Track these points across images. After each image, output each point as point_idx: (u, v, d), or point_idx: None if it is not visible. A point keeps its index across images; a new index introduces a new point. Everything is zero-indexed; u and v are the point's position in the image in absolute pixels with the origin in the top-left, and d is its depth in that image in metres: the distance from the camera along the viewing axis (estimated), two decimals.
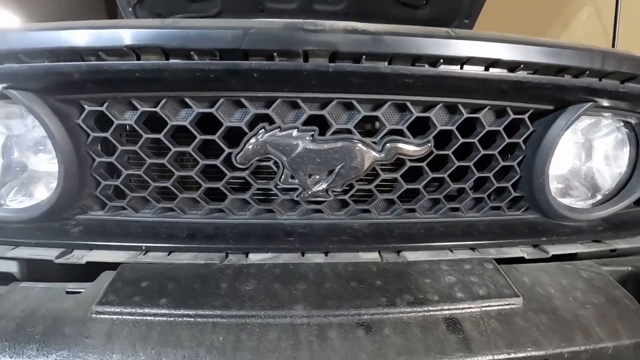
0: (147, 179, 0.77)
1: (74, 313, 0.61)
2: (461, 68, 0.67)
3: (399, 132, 0.75)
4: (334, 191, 0.79)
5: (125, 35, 0.61)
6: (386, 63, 0.65)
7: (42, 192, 0.81)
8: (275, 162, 0.75)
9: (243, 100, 0.71)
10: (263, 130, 0.72)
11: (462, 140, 0.78)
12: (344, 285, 0.67)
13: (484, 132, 0.79)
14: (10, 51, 0.61)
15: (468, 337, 0.60)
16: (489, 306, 0.65)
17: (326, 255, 0.77)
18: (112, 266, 0.71)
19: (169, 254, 0.74)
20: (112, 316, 0.60)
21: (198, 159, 0.75)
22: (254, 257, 0.75)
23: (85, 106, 0.72)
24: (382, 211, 0.85)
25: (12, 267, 0.78)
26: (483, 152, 0.80)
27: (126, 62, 0.62)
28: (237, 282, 0.67)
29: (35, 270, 0.78)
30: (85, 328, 0.58)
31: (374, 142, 0.75)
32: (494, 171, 0.83)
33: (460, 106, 0.75)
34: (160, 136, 0.73)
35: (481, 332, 0.61)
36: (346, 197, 0.81)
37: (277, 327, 0.59)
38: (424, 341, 0.59)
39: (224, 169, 0.76)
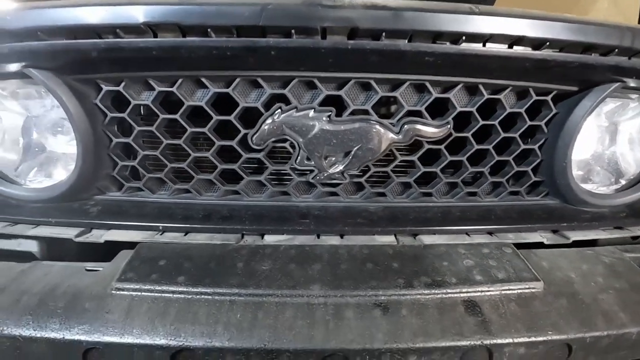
0: (163, 160, 0.77)
1: (93, 289, 0.62)
2: (484, 45, 0.65)
3: (417, 114, 0.74)
4: (350, 173, 0.78)
5: (142, 12, 0.61)
6: (406, 40, 0.63)
7: (61, 173, 0.82)
8: (291, 144, 0.75)
9: (259, 80, 0.70)
10: (279, 110, 0.71)
11: (482, 122, 0.76)
12: (360, 267, 0.67)
13: (505, 114, 0.76)
14: (29, 29, 0.61)
15: (487, 320, 0.59)
16: (509, 289, 0.63)
17: (341, 237, 0.76)
18: (130, 246, 0.72)
19: (185, 234, 0.75)
20: (131, 292, 0.60)
21: (214, 139, 0.75)
22: (270, 239, 0.75)
23: (103, 86, 0.72)
24: (398, 195, 0.84)
25: (33, 247, 0.79)
26: (503, 135, 0.78)
27: (143, 39, 0.62)
28: (253, 262, 0.67)
29: (54, 250, 0.80)
30: (105, 303, 0.59)
31: (392, 124, 0.74)
32: (514, 155, 0.81)
33: (480, 87, 0.73)
34: (177, 116, 0.73)
35: (500, 315, 0.60)
36: (362, 179, 0.80)
37: (294, 306, 0.59)
38: (442, 322, 0.58)
39: (240, 150, 0.75)
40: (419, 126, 0.73)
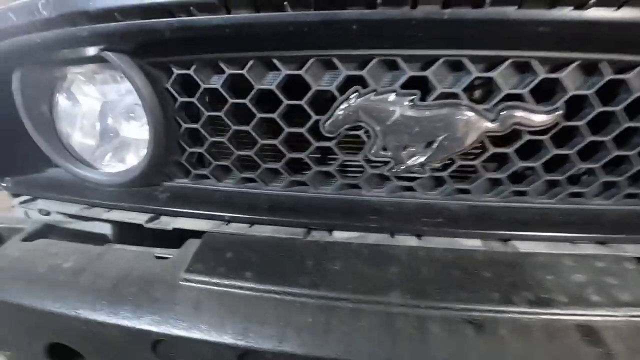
0: (230, 147, 0.74)
1: (163, 278, 0.60)
2: (618, 9, 0.52)
3: (518, 98, 0.62)
4: (430, 166, 0.69)
5: None
6: (516, 6, 0.53)
7: (133, 159, 0.82)
8: (366, 132, 0.67)
9: (335, 61, 0.63)
10: (356, 94, 0.64)
11: (601, 108, 0.62)
12: (445, 274, 0.58)
13: (632, 98, 0.62)
14: (107, 9, 0.60)
15: (612, 352, 0.47)
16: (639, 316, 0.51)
17: (419, 238, 0.68)
18: (196, 234, 0.70)
19: (250, 226, 0.71)
20: (199, 285, 0.58)
21: (283, 126, 0.70)
22: (339, 235, 0.69)
23: (174, 70, 0.70)
24: (485, 192, 0.73)
25: (106, 229, 0.82)
26: (627, 124, 0.64)
27: (216, 16, 0.58)
28: (324, 260, 0.61)
29: (124, 233, 0.81)
30: (174, 294, 0.57)
31: (487, 109, 0.63)
32: (637, 149, 0.66)
33: (603, 64, 0.60)
34: (246, 101, 0.69)
35: (631, 348, 0.48)
36: (444, 174, 0.70)
37: (371, 314, 0.53)
38: (553, 350, 0.48)
39: (310, 137, 0.69)
40: (520, 113, 0.62)
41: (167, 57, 0.68)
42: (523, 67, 0.62)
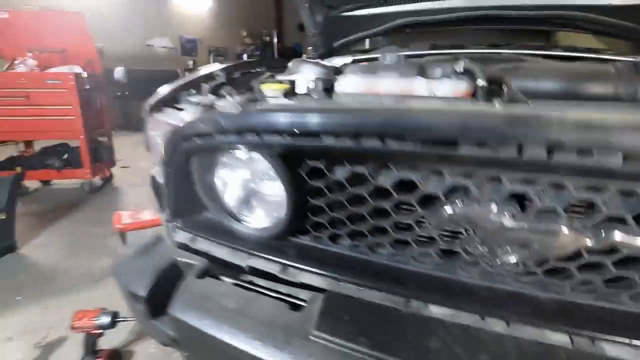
0: (347, 222, 0.92)
1: (298, 330, 0.81)
2: None
3: (620, 219, 0.67)
4: (524, 264, 0.78)
5: (339, 120, 0.74)
6: (621, 158, 0.59)
7: (268, 218, 1.06)
8: (467, 229, 0.79)
9: (443, 171, 0.75)
10: (459, 201, 0.75)
11: None
12: None
13: None
14: (266, 129, 0.81)
15: None
16: None
17: (507, 325, 0.78)
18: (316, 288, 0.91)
19: (359, 289, 0.89)
20: (325, 343, 0.77)
21: (393, 214, 0.84)
22: (434, 310, 0.82)
23: (307, 161, 0.89)
24: (576, 289, 0.79)
25: (244, 263, 1.06)
26: None
27: (346, 142, 0.74)
28: (422, 335, 0.76)
29: (256, 269, 1.05)
30: (308, 346, 0.78)
31: (586, 227, 0.69)
32: None
33: None
34: (363, 192, 0.85)
35: None
36: (536, 268, 0.78)
37: None
38: None
39: (414, 226, 0.83)
40: (621, 235, 0.67)
41: (303, 156, 0.87)
42: (628, 194, 0.66)
